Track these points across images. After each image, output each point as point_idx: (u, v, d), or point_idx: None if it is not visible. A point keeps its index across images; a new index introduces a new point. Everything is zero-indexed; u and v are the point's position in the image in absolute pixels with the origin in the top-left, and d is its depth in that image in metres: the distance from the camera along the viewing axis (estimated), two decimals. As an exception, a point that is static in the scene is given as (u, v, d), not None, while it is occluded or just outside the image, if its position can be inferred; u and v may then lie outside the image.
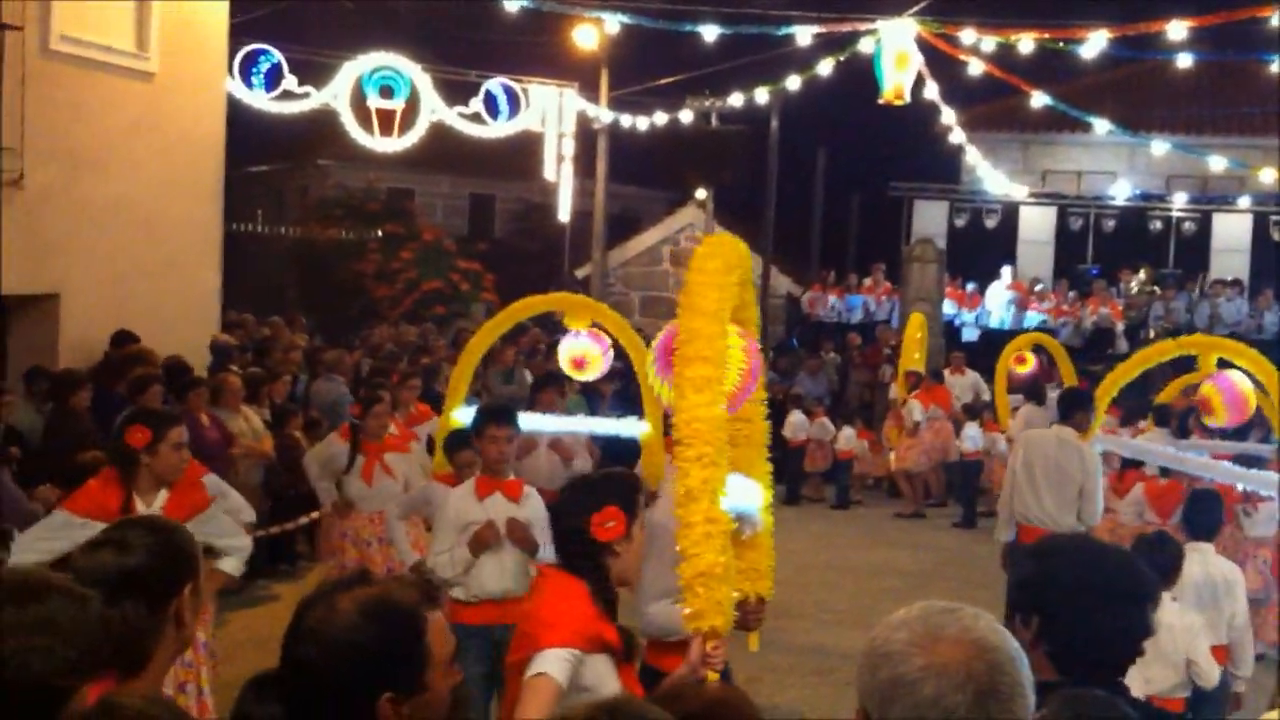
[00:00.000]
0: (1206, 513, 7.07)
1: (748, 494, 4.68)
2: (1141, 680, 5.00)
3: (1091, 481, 8.70)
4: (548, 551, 6.41)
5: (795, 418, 16.76)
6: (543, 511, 6.50)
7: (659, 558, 4.28)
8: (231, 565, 5.87)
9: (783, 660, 9.36)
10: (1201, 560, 6.30)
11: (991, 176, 23.02)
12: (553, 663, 3.44)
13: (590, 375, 9.50)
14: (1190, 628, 5.97)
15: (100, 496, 5.44)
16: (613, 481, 3.92)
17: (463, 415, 8.68)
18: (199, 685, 5.62)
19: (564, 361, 9.30)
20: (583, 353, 9.11)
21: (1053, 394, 13.12)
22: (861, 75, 19.13)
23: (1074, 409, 9.08)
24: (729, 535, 4.05)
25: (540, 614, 3.61)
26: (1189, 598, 6.29)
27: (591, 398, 16.78)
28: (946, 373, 17.58)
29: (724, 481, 3.99)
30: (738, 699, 2.41)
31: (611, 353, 9.34)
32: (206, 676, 5.75)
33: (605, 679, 3.53)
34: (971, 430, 15.80)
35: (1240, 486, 9.51)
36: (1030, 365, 15.52)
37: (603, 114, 22.60)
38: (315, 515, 10.05)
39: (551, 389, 10.02)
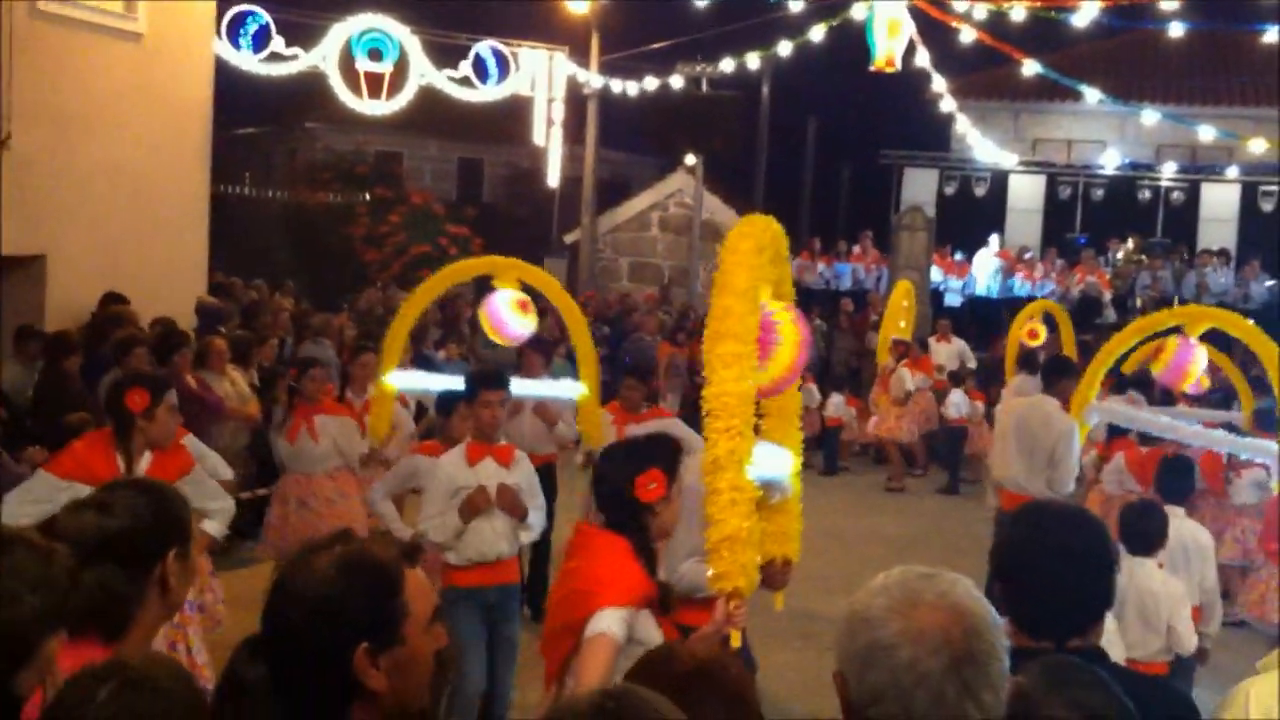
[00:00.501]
0: (1179, 478, 7.13)
1: (778, 461, 4.83)
2: (1124, 645, 5.08)
3: (1063, 446, 8.61)
4: (536, 516, 6.46)
5: (783, 384, 16.77)
6: (533, 476, 6.56)
7: (687, 520, 4.40)
8: (214, 527, 5.89)
9: (768, 624, 9.40)
10: (1174, 526, 6.31)
11: (981, 145, 23.01)
12: (612, 621, 3.63)
13: (533, 321, 8.98)
14: (1174, 595, 6.03)
15: (86, 458, 5.42)
16: (656, 444, 4.11)
17: (396, 380, 8.60)
18: (187, 645, 5.63)
19: (508, 310, 8.67)
20: (521, 296, 8.68)
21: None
22: (853, 42, 19.09)
23: (1058, 377, 9.10)
24: (756, 501, 4.20)
25: (594, 573, 3.77)
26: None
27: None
28: (933, 340, 17.60)
29: (750, 452, 4.13)
30: (728, 661, 2.44)
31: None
32: (195, 635, 5.76)
33: (653, 633, 3.72)
34: (956, 397, 15.84)
35: (1225, 454, 9.57)
36: (1042, 339, 15.49)
37: (593, 79, 22.52)
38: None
39: (537, 352, 9.91)
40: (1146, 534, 6.05)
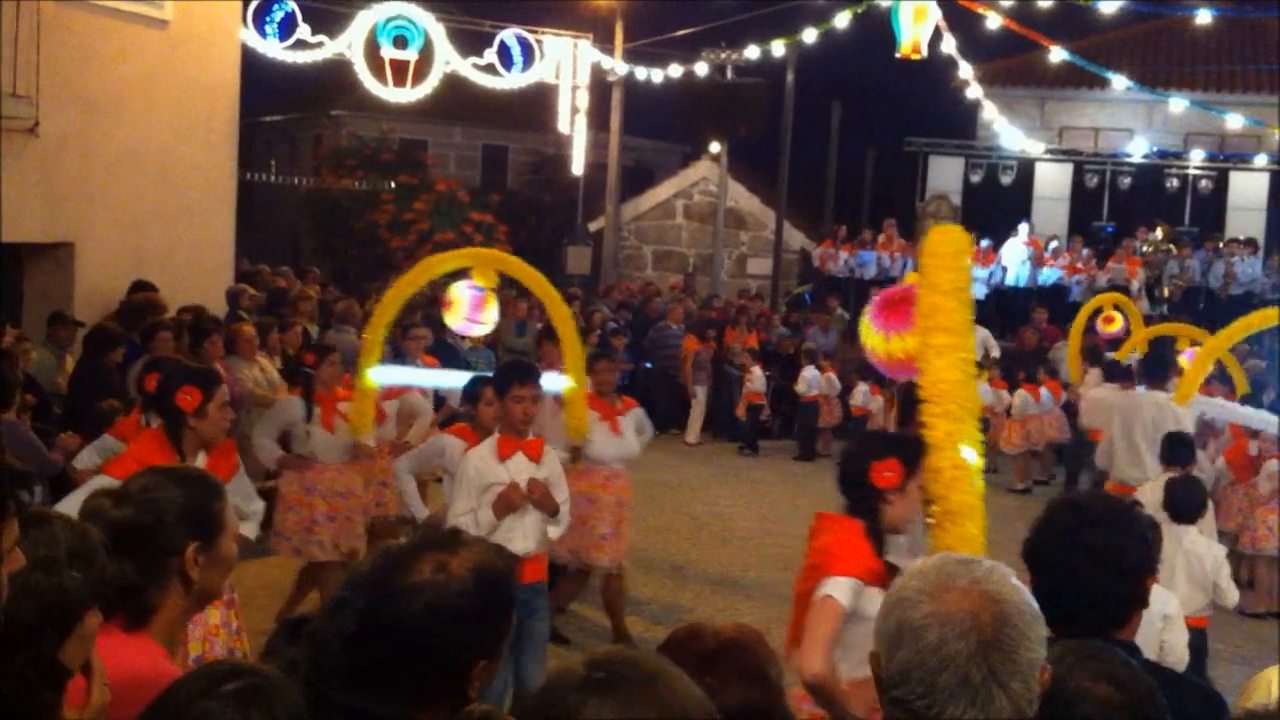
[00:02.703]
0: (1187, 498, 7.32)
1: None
2: (1177, 601, 5.40)
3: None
4: (564, 510, 6.38)
5: (808, 373, 16.78)
6: (560, 470, 6.48)
7: None
8: (250, 529, 5.78)
9: (778, 613, 9.43)
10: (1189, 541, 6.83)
11: (1008, 132, 22.90)
12: (840, 588, 4.03)
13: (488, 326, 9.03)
14: (1217, 556, 6.80)
15: (146, 461, 5.08)
16: (904, 440, 4.47)
17: (377, 374, 8.25)
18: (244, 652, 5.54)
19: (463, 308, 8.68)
20: (453, 297, 8.65)
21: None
22: (879, 29, 19.03)
23: (1159, 369, 9.80)
24: (974, 475, 4.45)
25: (830, 548, 4.17)
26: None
27: (605, 351, 16.83)
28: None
29: (967, 432, 4.41)
30: (754, 639, 2.45)
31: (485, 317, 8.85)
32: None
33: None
34: (979, 387, 15.77)
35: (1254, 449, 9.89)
36: (1118, 325, 15.31)
37: (617, 66, 22.50)
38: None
39: (554, 342, 9.86)
40: (1189, 505, 6.79)
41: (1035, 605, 2.03)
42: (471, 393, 7.43)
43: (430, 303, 15.07)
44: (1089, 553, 2.89)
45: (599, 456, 8.34)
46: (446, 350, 12.74)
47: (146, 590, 2.67)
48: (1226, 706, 3.04)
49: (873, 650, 2.05)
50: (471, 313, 8.64)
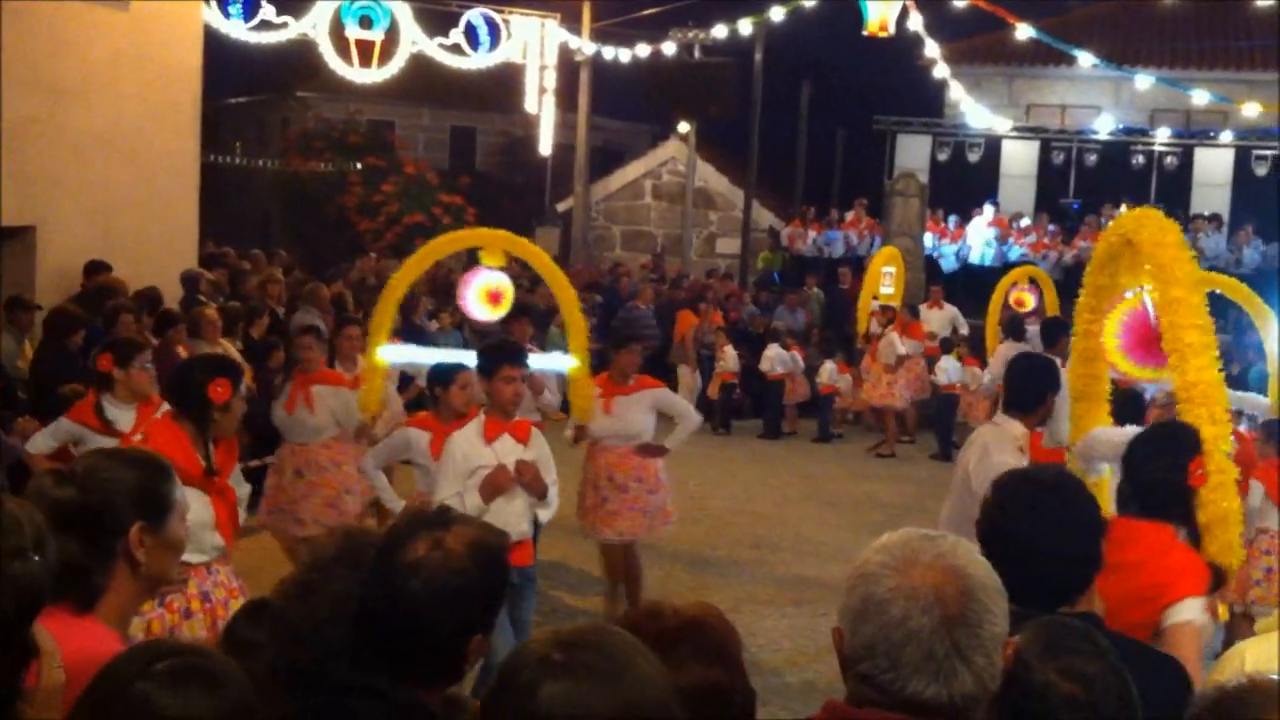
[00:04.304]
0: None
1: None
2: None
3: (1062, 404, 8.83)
4: (552, 492, 6.24)
5: (772, 351, 16.79)
6: (548, 451, 6.31)
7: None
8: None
9: (762, 591, 9.47)
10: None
11: (975, 110, 22.94)
12: (1195, 610, 3.73)
13: (503, 312, 9.08)
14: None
15: (170, 455, 4.63)
16: (1190, 432, 4.33)
17: (387, 354, 8.49)
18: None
19: (477, 297, 8.87)
20: (497, 286, 8.78)
21: (1032, 329, 13.18)
22: (846, 7, 19.01)
23: (1059, 334, 9.27)
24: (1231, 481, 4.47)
25: (1167, 565, 3.82)
26: None
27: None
28: (924, 307, 17.61)
29: (1228, 436, 4.43)
30: (715, 617, 2.44)
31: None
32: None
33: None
34: (947, 363, 15.86)
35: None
36: (1030, 305, 15.49)
37: (585, 46, 22.41)
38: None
39: (523, 320, 9.85)
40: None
41: (999, 580, 2.03)
42: (445, 375, 7.31)
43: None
44: (1049, 519, 2.93)
45: (596, 434, 8.31)
46: (416, 333, 12.70)
47: (93, 571, 2.63)
48: (1190, 680, 3.06)
49: (836, 626, 2.06)
50: (472, 312, 8.94)
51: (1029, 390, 5.55)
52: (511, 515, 6.00)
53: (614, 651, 1.82)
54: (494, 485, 5.99)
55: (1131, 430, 4.84)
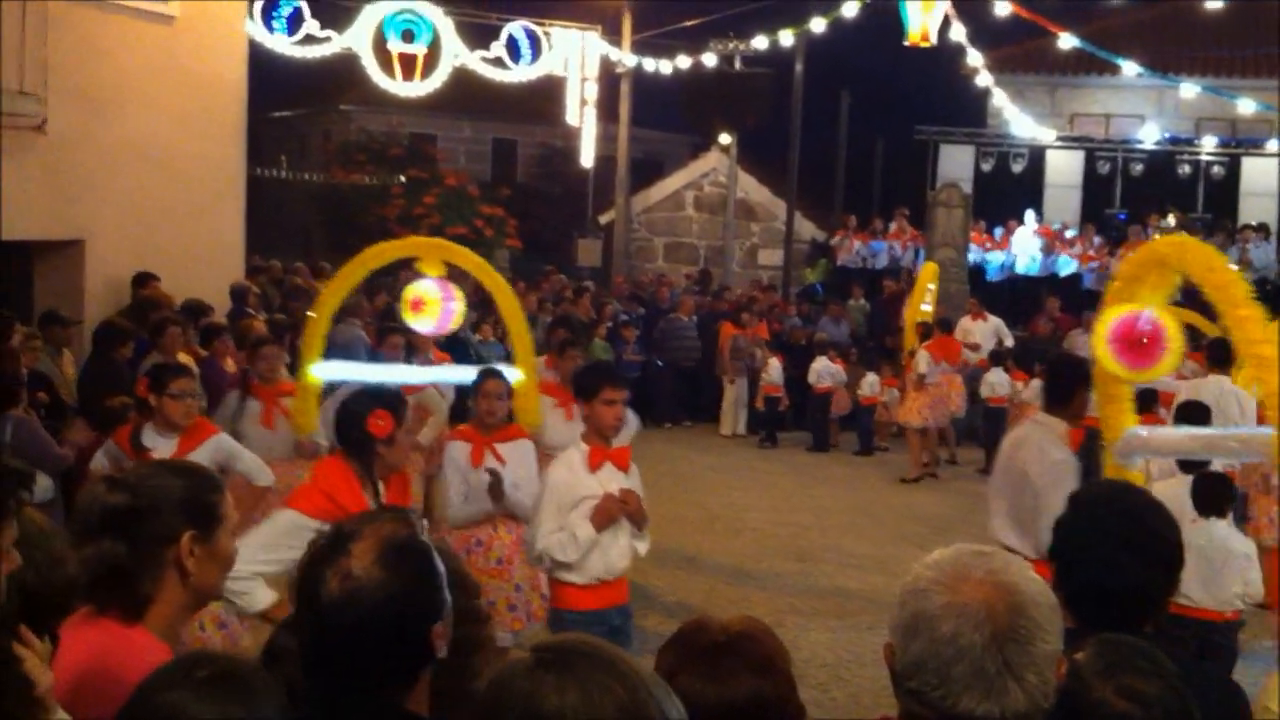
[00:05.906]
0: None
1: None
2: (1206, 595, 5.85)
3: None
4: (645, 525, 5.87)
5: (819, 364, 16.73)
6: (639, 480, 5.94)
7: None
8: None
9: (805, 604, 9.42)
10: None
11: (1018, 120, 22.80)
12: None
13: (425, 322, 8.47)
14: (1249, 552, 6.87)
15: (334, 493, 4.65)
16: None
17: (320, 370, 7.94)
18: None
19: (403, 307, 8.42)
20: (421, 294, 8.21)
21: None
22: (887, 17, 18.96)
23: (1225, 356, 9.77)
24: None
25: None
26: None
27: (616, 343, 16.81)
28: (966, 319, 17.42)
29: None
30: (762, 630, 2.43)
31: (456, 305, 8.36)
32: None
33: None
34: (995, 376, 15.62)
35: None
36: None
37: (625, 57, 22.46)
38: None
39: (395, 333, 9.63)
40: (1219, 498, 6.81)
41: (1053, 597, 2.01)
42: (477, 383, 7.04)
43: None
44: (1129, 546, 2.86)
45: (558, 443, 7.61)
46: (459, 345, 12.72)
47: (140, 578, 2.65)
48: (1247, 699, 3.00)
49: (887, 642, 2.04)
50: (444, 316, 8.34)
51: (1059, 387, 6.01)
52: (616, 550, 5.70)
53: (597, 646, 1.82)
54: (607, 514, 5.61)
55: (1188, 430, 5.12)
